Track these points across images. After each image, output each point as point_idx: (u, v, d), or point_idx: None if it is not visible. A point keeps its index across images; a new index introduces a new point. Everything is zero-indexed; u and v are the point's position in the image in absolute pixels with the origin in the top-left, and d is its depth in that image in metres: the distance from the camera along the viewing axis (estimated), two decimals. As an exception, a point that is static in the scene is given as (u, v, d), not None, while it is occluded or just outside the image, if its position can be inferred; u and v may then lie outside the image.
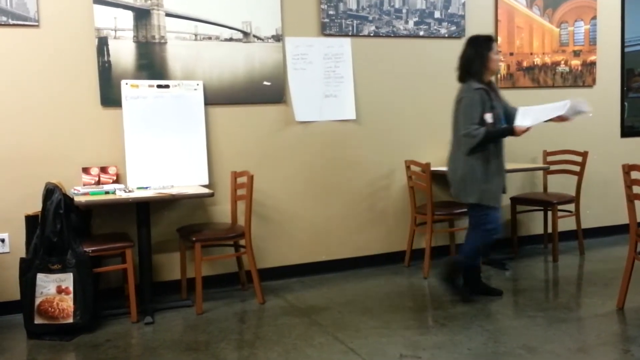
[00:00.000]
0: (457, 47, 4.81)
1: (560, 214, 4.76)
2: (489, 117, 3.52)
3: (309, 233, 4.48)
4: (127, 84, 3.88)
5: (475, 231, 3.76)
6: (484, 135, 3.48)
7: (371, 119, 4.62)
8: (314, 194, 4.50)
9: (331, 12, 4.44)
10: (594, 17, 5.34)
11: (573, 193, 4.90)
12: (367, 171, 4.66)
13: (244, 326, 3.51)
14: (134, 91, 3.90)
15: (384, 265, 4.65)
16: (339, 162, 4.55)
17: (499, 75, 5.04)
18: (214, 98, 4.15)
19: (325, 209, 4.53)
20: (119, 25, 3.90)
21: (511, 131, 3.56)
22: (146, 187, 3.78)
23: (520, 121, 3.54)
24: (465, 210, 4.52)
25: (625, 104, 5.74)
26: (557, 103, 3.62)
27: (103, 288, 3.84)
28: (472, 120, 3.51)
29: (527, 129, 3.53)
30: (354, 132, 4.55)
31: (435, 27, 4.76)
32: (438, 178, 4.70)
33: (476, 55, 3.61)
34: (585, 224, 5.05)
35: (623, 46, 5.54)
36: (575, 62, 5.31)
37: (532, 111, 3.61)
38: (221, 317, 3.62)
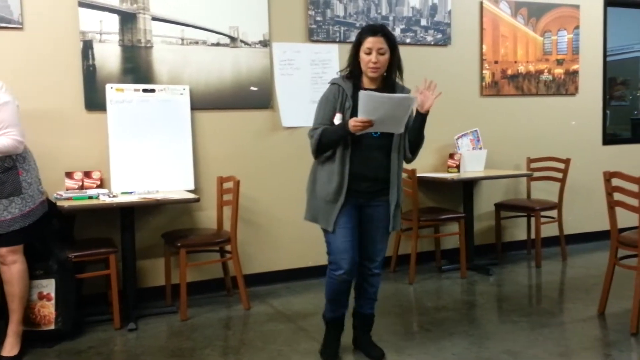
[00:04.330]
0: (443, 54, 4.91)
1: (543, 220, 4.80)
2: (337, 118, 2.81)
3: (295, 238, 4.48)
4: (112, 87, 3.86)
5: None
6: (319, 136, 2.78)
7: (357, 125, 4.63)
8: (300, 200, 4.44)
9: (318, 19, 4.45)
10: (577, 27, 5.42)
11: (556, 199, 4.96)
12: (353, 177, 4.66)
13: (229, 332, 3.49)
14: (119, 95, 3.87)
15: (369, 271, 4.65)
16: (325, 167, 4.55)
17: (483, 83, 5.09)
18: (201, 103, 4.14)
19: (311, 214, 4.52)
20: (104, 28, 3.88)
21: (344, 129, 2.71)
22: (131, 192, 3.75)
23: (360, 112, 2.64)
24: (451, 216, 4.57)
25: (607, 112, 5.83)
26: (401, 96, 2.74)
27: (86, 294, 3.79)
28: (315, 120, 2.88)
29: (366, 123, 2.63)
30: (340, 138, 4.55)
31: (421, 35, 4.80)
32: (423, 184, 4.73)
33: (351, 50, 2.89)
34: (567, 230, 5.12)
35: (605, 55, 5.63)
36: (559, 71, 5.38)
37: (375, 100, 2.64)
38: (206, 323, 3.59)
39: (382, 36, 2.75)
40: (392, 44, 2.78)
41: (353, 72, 2.84)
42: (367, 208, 2.87)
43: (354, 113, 2.73)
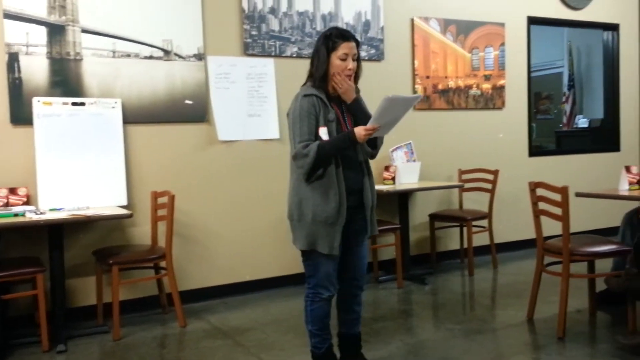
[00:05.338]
0: (376, 69, 5.02)
1: (474, 229, 4.96)
2: (323, 133, 2.63)
3: (232, 253, 4.44)
4: (39, 101, 3.72)
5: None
6: (316, 153, 2.55)
7: (294, 138, 4.65)
8: (237, 213, 4.47)
9: (254, 33, 4.47)
10: (503, 44, 5.67)
11: (486, 209, 5.14)
12: (291, 190, 4.67)
13: (164, 351, 3.41)
14: (46, 109, 3.74)
15: (308, 284, 4.66)
16: (263, 180, 4.55)
17: (416, 97, 5.22)
18: (134, 116, 4.05)
19: (249, 228, 4.50)
20: (31, 40, 3.75)
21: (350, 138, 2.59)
22: (59, 209, 3.62)
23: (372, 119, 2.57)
24: (387, 227, 4.64)
25: (533, 125, 6.11)
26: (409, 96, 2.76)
27: (13, 315, 3.63)
28: (299, 137, 2.61)
29: (373, 130, 2.57)
30: (278, 150, 4.56)
31: (355, 50, 4.89)
32: (360, 196, 4.79)
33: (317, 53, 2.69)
34: (497, 239, 5.30)
35: (529, 71, 5.91)
36: (486, 86, 5.61)
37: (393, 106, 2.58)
38: (140, 342, 3.50)
39: (354, 41, 2.64)
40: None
41: (321, 80, 2.65)
42: (351, 223, 2.69)
43: (339, 124, 2.66)
